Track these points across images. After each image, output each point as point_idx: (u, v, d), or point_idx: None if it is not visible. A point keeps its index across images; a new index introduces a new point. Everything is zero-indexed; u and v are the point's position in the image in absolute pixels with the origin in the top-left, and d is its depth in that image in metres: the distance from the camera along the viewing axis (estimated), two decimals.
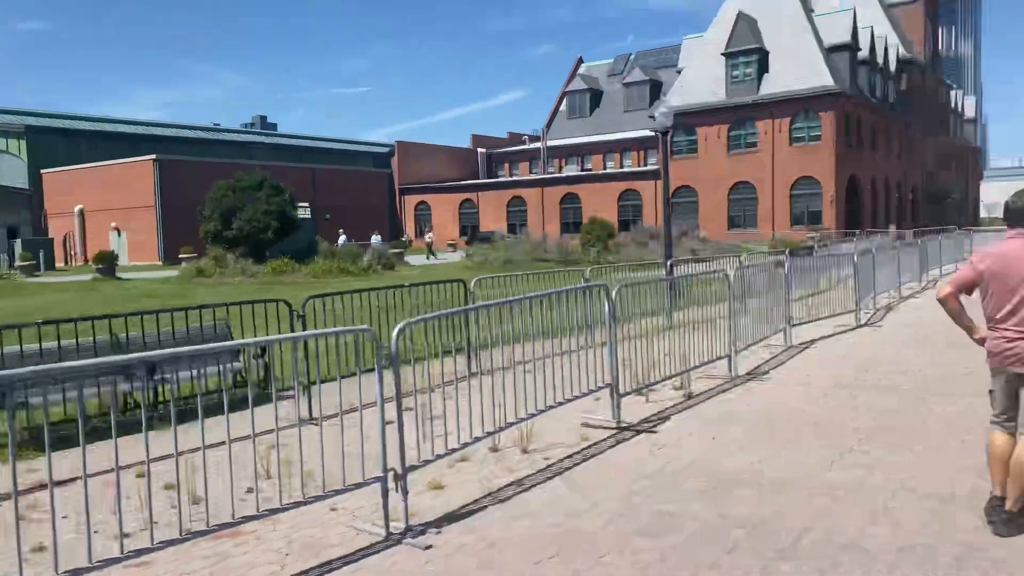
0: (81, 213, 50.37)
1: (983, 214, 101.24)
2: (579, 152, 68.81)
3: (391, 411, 4.92)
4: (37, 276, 35.65)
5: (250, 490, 4.91)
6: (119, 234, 48.54)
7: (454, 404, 5.77)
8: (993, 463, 4.75)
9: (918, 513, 4.91)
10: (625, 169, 62.75)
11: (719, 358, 9.33)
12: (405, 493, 4.95)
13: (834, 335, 12.45)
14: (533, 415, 6.40)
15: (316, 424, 5.21)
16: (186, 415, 6.07)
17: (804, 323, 12.46)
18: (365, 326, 5.15)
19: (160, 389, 8.10)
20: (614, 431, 7.10)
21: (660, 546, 4.58)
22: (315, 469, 4.85)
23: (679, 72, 59.40)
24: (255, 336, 8.24)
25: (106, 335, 7.85)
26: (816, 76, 49.67)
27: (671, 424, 7.36)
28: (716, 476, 5.78)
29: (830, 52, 51.47)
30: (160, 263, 44.92)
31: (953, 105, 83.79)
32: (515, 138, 79.97)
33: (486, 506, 5.32)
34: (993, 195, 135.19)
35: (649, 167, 59.13)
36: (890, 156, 60.36)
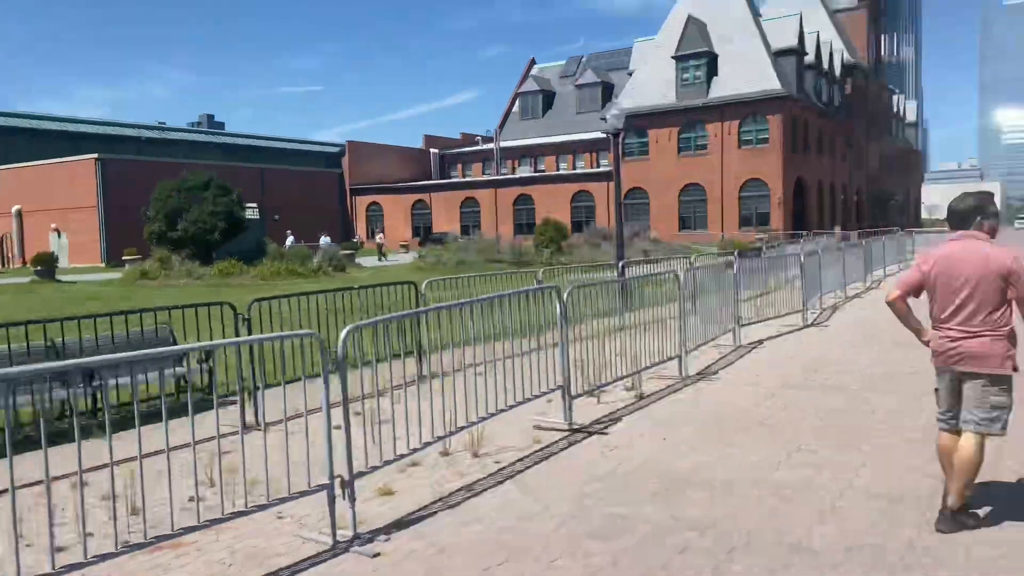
0: (19, 214, 48.74)
1: (924, 215, 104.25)
2: (532, 153, 69.00)
3: (340, 417, 4.80)
4: None
5: (192, 499, 4.75)
6: (59, 235, 47.12)
7: (404, 408, 5.67)
8: (942, 461, 4.83)
9: (865, 512, 4.97)
10: (578, 170, 63.09)
11: (670, 358, 9.38)
12: (352, 500, 4.83)
13: (782, 335, 12.62)
14: (484, 418, 6.33)
15: (261, 430, 5.07)
16: (128, 422, 5.86)
17: (753, 323, 12.62)
18: (310, 330, 5.02)
19: (98, 396, 7.83)
20: (566, 433, 7.07)
21: (612, 549, 4.55)
22: (260, 477, 4.71)
23: (630, 74, 59.98)
24: (198, 340, 8.02)
25: (42, 340, 7.57)
26: (764, 80, 50.58)
27: (623, 425, 7.36)
28: (667, 477, 5.78)
29: (777, 56, 52.47)
30: (103, 265, 43.70)
31: (895, 109, 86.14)
32: (468, 139, 79.85)
33: (436, 512, 5.24)
34: (934, 197, 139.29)
35: (602, 168, 59.55)
36: (835, 159, 61.75)
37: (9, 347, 7.40)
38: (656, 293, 10.35)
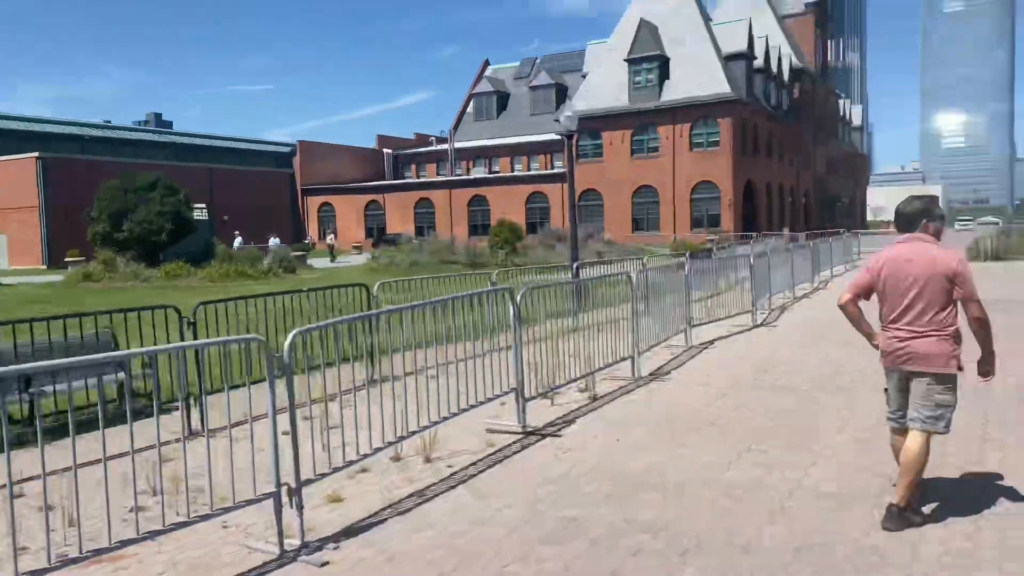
0: None
1: (870, 217, 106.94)
2: (487, 154, 68.91)
3: (288, 423, 4.69)
4: None
5: (132, 509, 4.58)
6: None
7: (354, 413, 5.56)
8: (897, 459, 4.92)
9: (815, 512, 5.01)
10: (533, 172, 63.19)
11: (623, 359, 9.40)
12: (300, 508, 4.72)
13: (732, 335, 12.77)
14: (437, 423, 6.25)
15: (206, 437, 4.92)
16: (66, 430, 5.65)
17: (704, 324, 12.74)
18: (254, 335, 4.90)
19: (35, 403, 7.55)
20: (520, 436, 7.03)
21: (564, 553, 4.52)
22: (204, 485, 4.57)
23: (584, 76, 60.26)
24: (141, 345, 7.78)
25: None
26: (715, 84, 51.25)
27: (576, 427, 7.35)
28: (620, 479, 5.78)
29: (728, 60, 53.21)
30: (44, 267, 42.45)
31: (842, 113, 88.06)
32: (422, 139, 79.44)
33: (386, 518, 5.14)
34: (878, 199, 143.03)
35: (556, 170, 59.72)
36: (784, 162, 62.91)
37: None
38: (609, 294, 10.38)
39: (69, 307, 15.16)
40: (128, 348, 7.68)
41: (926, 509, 4.86)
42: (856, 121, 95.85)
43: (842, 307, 5.01)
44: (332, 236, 49.60)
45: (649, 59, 53.48)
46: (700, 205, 52.07)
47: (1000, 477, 5.52)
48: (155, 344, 7.63)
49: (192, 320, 7.67)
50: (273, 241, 42.37)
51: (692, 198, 52.25)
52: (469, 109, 75.78)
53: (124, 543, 4.14)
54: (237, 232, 44.73)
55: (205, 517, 4.50)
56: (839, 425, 7.06)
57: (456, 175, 66.61)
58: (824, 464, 5.97)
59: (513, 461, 6.35)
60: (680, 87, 52.40)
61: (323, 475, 5.15)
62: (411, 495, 5.58)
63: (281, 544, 4.63)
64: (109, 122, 71.88)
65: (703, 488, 5.52)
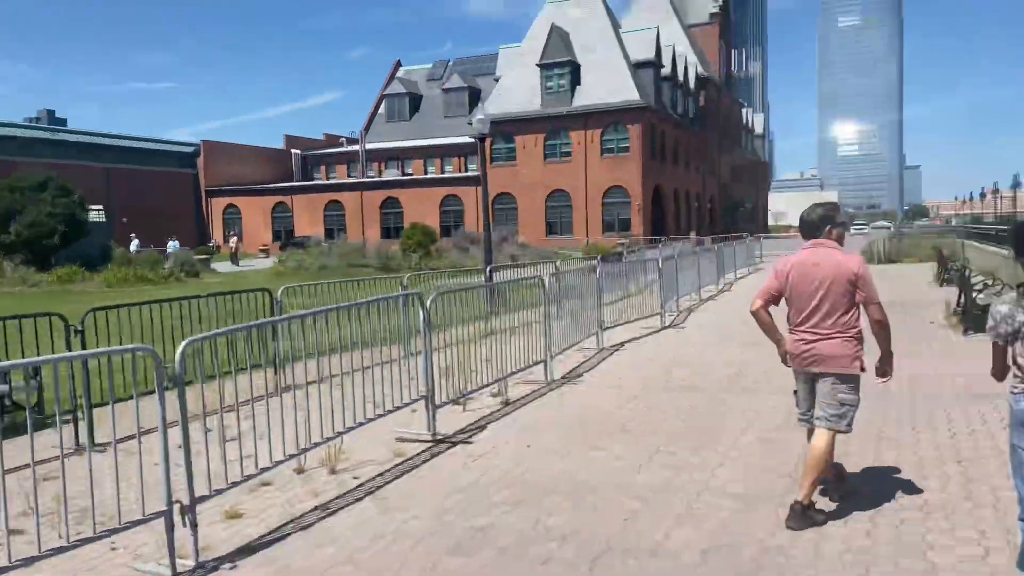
0: None
1: (771, 222, 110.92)
2: (399, 156, 68.24)
3: (183, 436, 4.42)
4: None
5: (6, 534, 4.23)
6: None
7: (253, 425, 5.30)
8: None
9: (722, 513, 5.05)
10: (446, 174, 62.92)
11: (536, 363, 9.36)
12: (194, 527, 4.46)
13: (642, 337, 12.93)
14: (343, 432, 6.05)
15: (93, 453, 4.60)
16: None
17: (615, 326, 12.86)
18: (143, 344, 4.61)
19: None
20: (429, 444, 6.88)
21: (471, 564, 4.41)
22: (89, 504, 4.26)
23: (497, 80, 60.43)
24: (23, 356, 7.27)
25: None
26: (624, 90, 52.22)
27: (488, 433, 7.25)
28: (531, 485, 5.71)
29: (637, 68, 54.29)
30: None
31: (745, 121, 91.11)
32: (332, 140, 78.08)
33: (288, 534, 4.92)
34: (779, 204, 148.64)
35: (470, 173, 59.64)
36: (690, 168, 64.65)
37: None
38: (523, 297, 10.34)
39: None
40: (8, 359, 7.16)
41: (827, 508, 4.96)
42: (758, 129, 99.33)
43: (754, 313, 5.08)
44: (235, 239, 47.14)
45: (561, 64, 54.06)
46: (611, 209, 52.93)
47: (897, 471, 5.71)
48: (37, 355, 7.14)
49: (80, 328, 7.21)
50: (172, 244, 40.79)
51: (604, 202, 53.07)
52: (381, 110, 74.91)
53: None
54: (134, 235, 42.89)
55: (88, 540, 4.20)
56: (744, 426, 7.18)
57: (368, 177, 65.70)
58: (731, 465, 6.05)
59: (422, 470, 6.21)
60: (591, 93, 53.17)
61: (220, 490, 4.89)
62: (314, 509, 5.36)
63: (173, 566, 4.36)
64: None
65: (614, 492, 5.50)
